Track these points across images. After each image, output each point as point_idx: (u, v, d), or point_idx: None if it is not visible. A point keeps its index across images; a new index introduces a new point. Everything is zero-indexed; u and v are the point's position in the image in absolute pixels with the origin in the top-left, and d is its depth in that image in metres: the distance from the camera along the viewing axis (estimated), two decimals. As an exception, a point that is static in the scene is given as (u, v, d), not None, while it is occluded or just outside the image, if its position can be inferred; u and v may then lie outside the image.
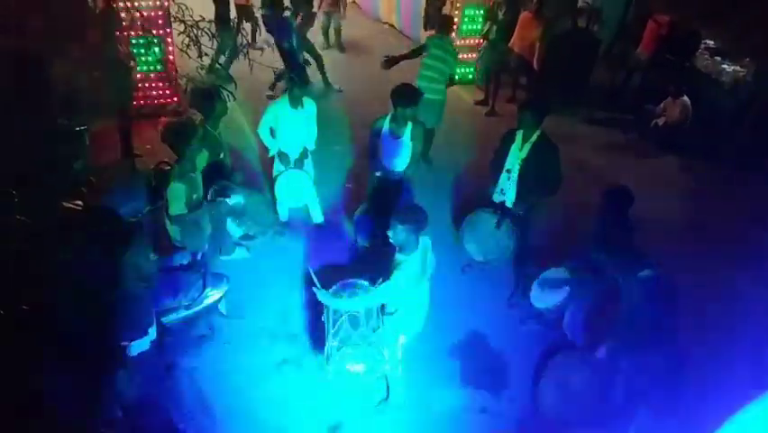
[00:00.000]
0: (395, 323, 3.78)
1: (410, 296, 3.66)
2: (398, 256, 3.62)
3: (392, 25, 11.92)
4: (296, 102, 5.21)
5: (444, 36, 6.62)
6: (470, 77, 9.44)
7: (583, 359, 3.96)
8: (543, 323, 4.82)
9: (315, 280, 3.90)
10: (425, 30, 10.32)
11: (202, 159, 4.45)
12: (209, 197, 4.79)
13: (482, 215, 5.00)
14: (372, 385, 4.16)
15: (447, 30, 6.73)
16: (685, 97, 7.61)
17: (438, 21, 7.35)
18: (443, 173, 6.64)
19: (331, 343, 3.82)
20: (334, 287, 4.00)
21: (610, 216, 4.07)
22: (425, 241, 3.66)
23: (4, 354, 3.54)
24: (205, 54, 6.77)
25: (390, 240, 3.57)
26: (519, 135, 4.75)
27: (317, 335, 4.68)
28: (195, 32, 6.67)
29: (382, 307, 3.90)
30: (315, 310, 4.87)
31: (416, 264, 3.56)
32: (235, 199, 4.95)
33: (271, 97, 8.17)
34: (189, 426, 3.86)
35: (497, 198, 4.95)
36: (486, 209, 5.00)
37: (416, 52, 6.54)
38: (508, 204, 4.88)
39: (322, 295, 3.83)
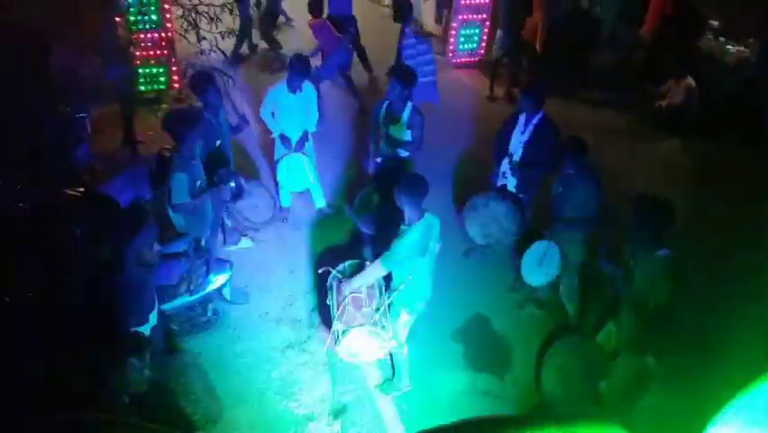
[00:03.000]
0: (399, 300, 3.81)
1: (411, 269, 3.68)
2: (402, 227, 3.68)
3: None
4: (293, 87, 5.19)
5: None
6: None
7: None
8: (541, 306, 4.88)
9: (333, 271, 4.08)
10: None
11: (197, 147, 4.43)
12: (213, 183, 4.78)
13: (485, 199, 4.97)
14: (378, 364, 4.21)
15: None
16: (689, 78, 7.49)
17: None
18: (444, 157, 6.60)
19: (336, 327, 3.84)
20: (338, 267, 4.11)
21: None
22: (431, 218, 3.69)
23: (9, 343, 3.56)
24: (204, 38, 6.68)
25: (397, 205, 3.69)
26: (521, 119, 4.72)
27: (321, 319, 4.73)
28: (193, 15, 6.59)
29: (386, 285, 3.91)
30: (318, 295, 4.92)
31: (417, 234, 3.59)
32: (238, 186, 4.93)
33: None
34: (195, 411, 3.89)
35: (499, 181, 4.93)
36: (488, 193, 4.97)
37: None
38: (510, 188, 4.86)
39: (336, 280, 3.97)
